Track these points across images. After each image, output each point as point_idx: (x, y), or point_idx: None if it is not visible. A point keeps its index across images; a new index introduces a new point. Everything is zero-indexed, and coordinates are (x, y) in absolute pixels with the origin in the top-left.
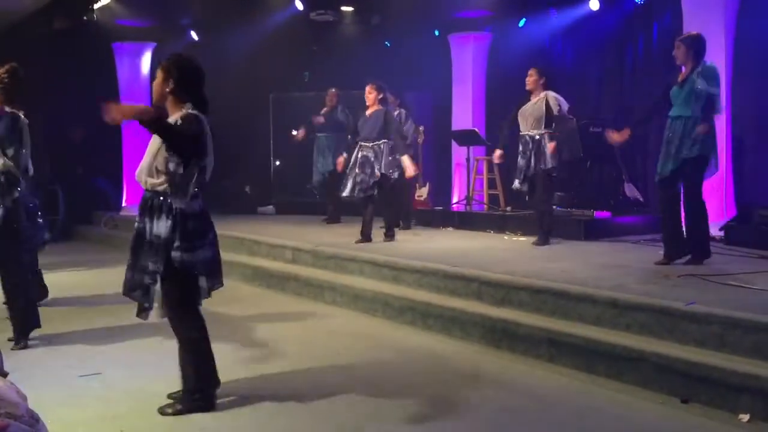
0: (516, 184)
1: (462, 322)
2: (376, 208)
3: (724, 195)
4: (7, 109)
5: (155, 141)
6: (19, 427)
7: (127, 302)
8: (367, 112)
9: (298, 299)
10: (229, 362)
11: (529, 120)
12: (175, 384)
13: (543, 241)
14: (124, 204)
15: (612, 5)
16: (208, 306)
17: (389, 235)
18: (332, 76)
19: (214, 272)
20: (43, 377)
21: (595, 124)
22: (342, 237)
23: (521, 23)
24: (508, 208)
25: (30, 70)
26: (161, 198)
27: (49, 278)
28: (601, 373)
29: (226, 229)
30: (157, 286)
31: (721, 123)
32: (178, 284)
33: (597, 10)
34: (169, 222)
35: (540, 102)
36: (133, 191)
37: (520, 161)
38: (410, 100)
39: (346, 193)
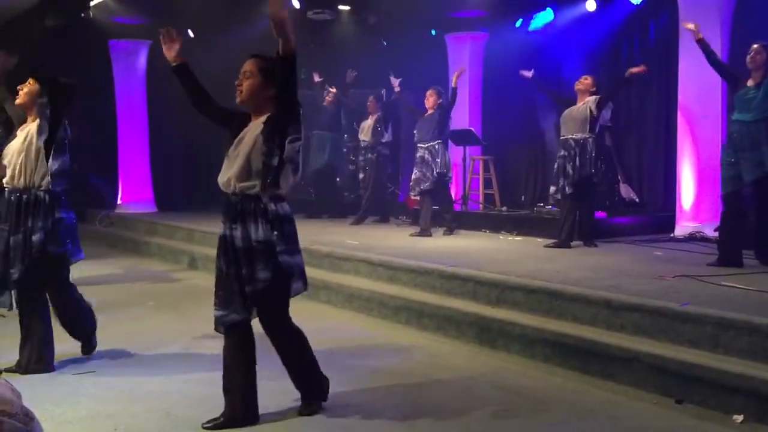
0: (557, 186)
1: (457, 322)
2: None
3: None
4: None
5: (247, 142)
6: (13, 425)
7: (121, 301)
8: (425, 115)
9: (293, 298)
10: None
11: (573, 123)
12: (167, 383)
13: (591, 242)
14: (119, 202)
15: (608, 6)
16: (204, 305)
17: (451, 230)
18: (329, 75)
19: (305, 276)
20: (37, 375)
21: None
22: (337, 236)
23: (518, 23)
24: (504, 208)
25: (26, 67)
26: (255, 202)
27: None
28: (596, 373)
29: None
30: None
31: (716, 123)
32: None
33: (593, 11)
34: (268, 226)
35: (586, 105)
36: (128, 189)
37: (567, 165)
38: (407, 99)
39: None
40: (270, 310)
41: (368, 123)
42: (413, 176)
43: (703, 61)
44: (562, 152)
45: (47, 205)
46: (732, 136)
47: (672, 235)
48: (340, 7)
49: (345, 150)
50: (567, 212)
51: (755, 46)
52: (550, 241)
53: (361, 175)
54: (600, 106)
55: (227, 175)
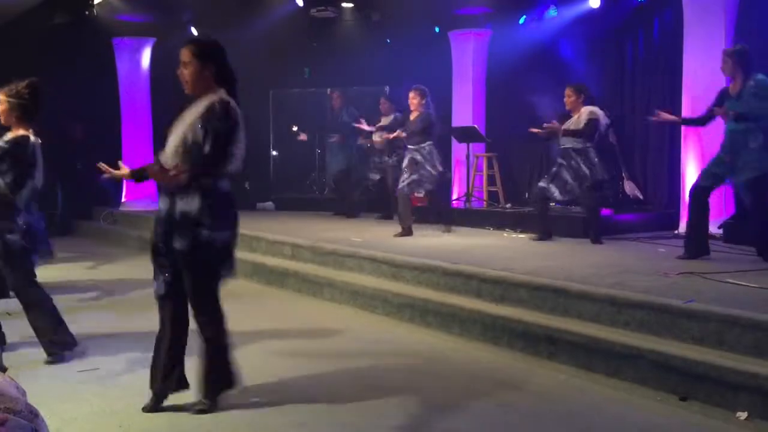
0: (545, 185)
1: (461, 319)
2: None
3: (723, 193)
4: (20, 132)
5: (185, 121)
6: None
7: (126, 297)
8: (411, 116)
9: (297, 295)
10: None
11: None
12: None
13: (598, 239)
14: (123, 200)
15: (613, 3)
16: None
17: (450, 228)
18: (332, 72)
19: (231, 259)
20: (41, 372)
21: None
22: (343, 232)
23: (521, 20)
24: (508, 205)
25: (30, 65)
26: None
27: (47, 273)
28: (600, 371)
29: None
30: None
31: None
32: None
33: (597, 8)
34: (195, 201)
35: (580, 117)
36: (132, 187)
37: (564, 173)
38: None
39: (400, 191)
40: (191, 284)
41: (381, 125)
42: (408, 177)
43: (708, 58)
44: (560, 160)
45: None
46: (725, 139)
47: (676, 232)
48: (343, 4)
49: (358, 152)
50: (544, 208)
51: (724, 54)
52: (533, 235)
53: (376, 176)
54: (589, 127)
55: (165, 151)
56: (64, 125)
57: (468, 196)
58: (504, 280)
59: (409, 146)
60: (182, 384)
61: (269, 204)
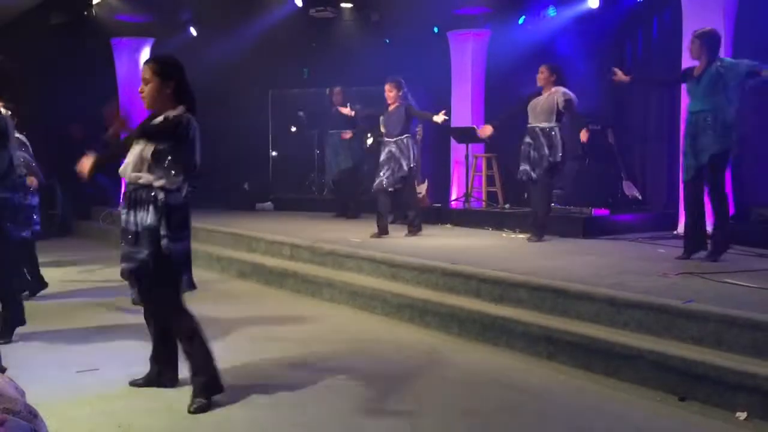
0: (526, 167)
1: (460, 320)
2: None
3: None
4: None
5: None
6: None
7: (124, 298)
8: (390, 109)
9: (296, 296)
10: (227, 359)
11: (539, 113)
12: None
13: (539, 236)
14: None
15: (612, 2)
16: (206, 302)
17: (417, 228)
18: (331, 72)
19: (190, 270)
20: (40, 373)
21: (594, 121)
22: (342, 233)
23: (521, 20)
24: (507, 206)
25: (28, 65)
26: (146, 191)
27: (47, 274)
28: (599, 371)
29: (224, 225)
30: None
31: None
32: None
33: (597, 8)
34: (155, 214)
35: (552, 96)
36: None
37: (531, 152)
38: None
39: (377, 187)
40: (155, 294)
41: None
42: (385, 172)
43: None
44: (528, 139)
45: None
46: (687, 125)
47: (675, 232)
48: (342, 4)
49: (365, 148)
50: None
51: (693, 35)
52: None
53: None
54: (568, 107)
55: (125, 164)
56: (63, 125)
57: (467, 196)
58: (503, 281)
59: (386, 139)
60: (173, 381)
61: (268, 204)
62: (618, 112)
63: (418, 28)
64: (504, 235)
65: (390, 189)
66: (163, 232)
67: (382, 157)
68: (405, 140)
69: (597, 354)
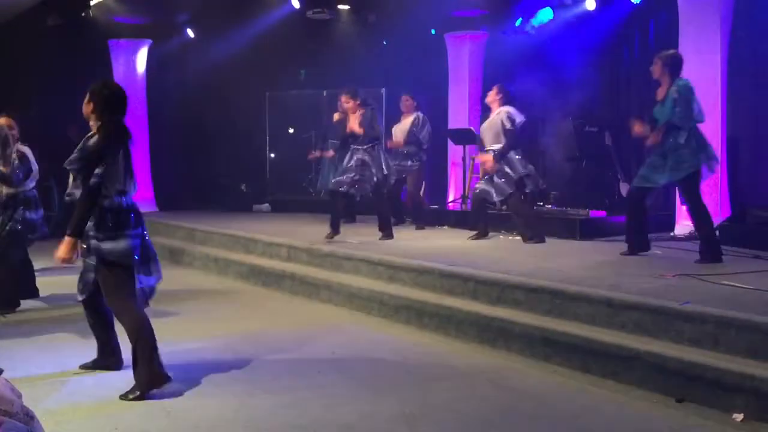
0: (488, 188)
1: (457, 321)
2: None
3: (719, 195)
4: None
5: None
6: (14, 424)
7: None
8: (352, 119)
9: (293, 297)
10: (225, 359)
11: (487, 135)
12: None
13: (534, 237)
14: None
15: (609, 5)
16: (203, 303)
17: (388, 234)
18: (328, 74)
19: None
20: (37, 375)
21: (591, 123)
22: (340, 235)
23: (518, 22)
24: (504, 208)
25: (25, 66)
26: None
27: (43, 275)
28: (596, 372)
29: (221, 227)
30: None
31: (716, 122)
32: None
33: (593, 10)
34: (93, 219)
35: (497, 117)
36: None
37: (494, 177)
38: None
39: (333, 187)
40: (104, 291)
41: (401, 127)
42: (353, 176)
43: (702, 61)
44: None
45: None
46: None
47: (672, 234)
48: (340, 6)
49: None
50: (518, 210)
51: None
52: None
53: (392, 180)
54: (509, 138)
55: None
56: (59, 126)
57: (464, 198)
58: (500, 282)
59: (354, 146)
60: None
61: (265, 206)
62: (615, 114)
63: (416, 30)
64: (501, 236)
65: (342, 190)
66: (97, 235)
67: (351, 162)
68: (376, 148)
69: (594, 355)
